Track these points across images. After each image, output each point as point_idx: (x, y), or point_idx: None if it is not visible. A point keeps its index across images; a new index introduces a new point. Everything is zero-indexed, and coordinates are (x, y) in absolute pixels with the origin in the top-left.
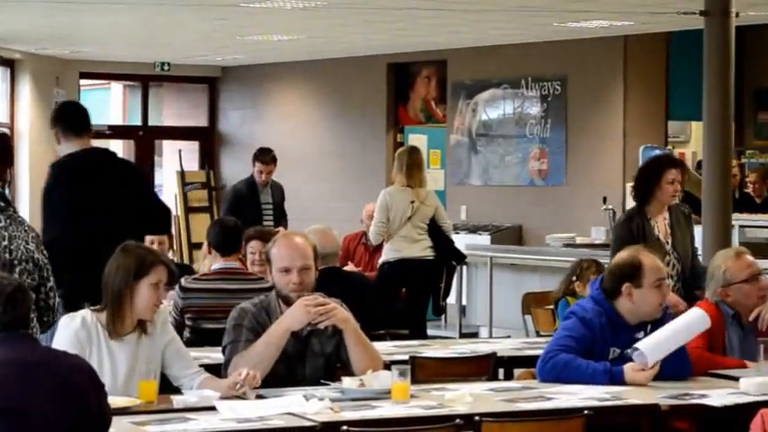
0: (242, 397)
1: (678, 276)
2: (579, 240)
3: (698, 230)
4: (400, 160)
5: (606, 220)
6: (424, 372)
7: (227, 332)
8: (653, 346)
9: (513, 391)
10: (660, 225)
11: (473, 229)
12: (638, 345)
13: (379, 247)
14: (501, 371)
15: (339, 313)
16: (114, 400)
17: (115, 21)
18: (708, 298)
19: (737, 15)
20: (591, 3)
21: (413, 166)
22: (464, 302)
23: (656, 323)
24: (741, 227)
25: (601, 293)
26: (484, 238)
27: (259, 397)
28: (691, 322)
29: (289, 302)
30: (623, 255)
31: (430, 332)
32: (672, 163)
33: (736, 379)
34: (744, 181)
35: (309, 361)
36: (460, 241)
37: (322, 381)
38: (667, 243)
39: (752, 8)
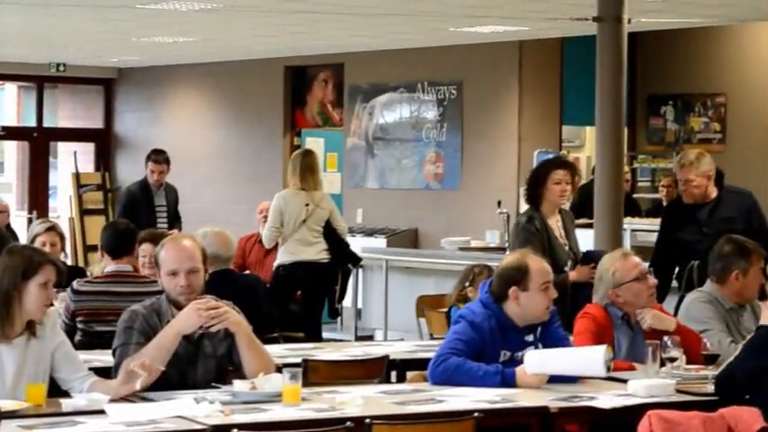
0: (131, 399)
1: None
2: (474, 244)
3: (590, 234)
4: (294, 163)
5: (501, 223)
6: (316, 375)
7: (117, 335)
8: (538, 361)
9: (405, 394)
10: (555, 226)
11: (369, 233)
12: (528, 353)
13: (275, 247)
14: (394, 374)
15: (231, 316)
16: (2, 404)
17: (8, 21)
18: (597, 302)
19: (630, 22)
20: (486, 8)
21: (307, 169)
22: (360, 305)
23: (546, 325)
24: (633, 231)
25: (489, 297)
26: (380, 242)
27: (149, 400)
28: (588, 364)
29: (178, 306)
30: (511, 259)
31: (325, 335)
32: (558, 164)
33: (625, 381)
34: (636, 185)
35: (201, 364)
36: (356, 244)
37: (213, 384)
38: (565, 244)
39: (644, 15)
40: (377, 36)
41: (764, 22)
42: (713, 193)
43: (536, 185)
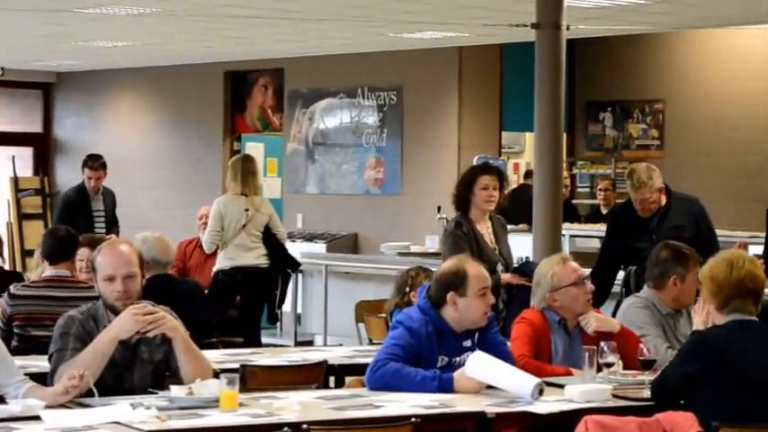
0: (67, 405)
1: None
2: (414, 249)
3: (528, 239)
4: (234, 168)
5: (440, 229)
6: (254, 380)
7: (53, 340)
8: (478, 366)
9: (343, 399)
10: (484, 232)
11: (309, 238)
12: (474, 355)
13: (215, 252)
14: (332, 379)
15: (168, 321)
16: None
17: None
18: (534, 306)
19: (568, 28)
20: (425, 14)
21: (247, 174)
22: (299, 310)
23: (483, 331)
24: (571, 236)
25: (427, 302)
26: (320, 247)
27: (86, 406)
28: (519, 389)
29: (115, 311)
30: (449, 264)
31: (265, 340)
32: (484, 170)
33: (562, 386)
34: (575, 191)
35: (138, 369)
36: (296, 249)
37: (150, 389)
38: (495, 250)
39: (582, 22)
40: (316, 41)
41: (701, 29)
42: (662, 201)
43: (463, 191)
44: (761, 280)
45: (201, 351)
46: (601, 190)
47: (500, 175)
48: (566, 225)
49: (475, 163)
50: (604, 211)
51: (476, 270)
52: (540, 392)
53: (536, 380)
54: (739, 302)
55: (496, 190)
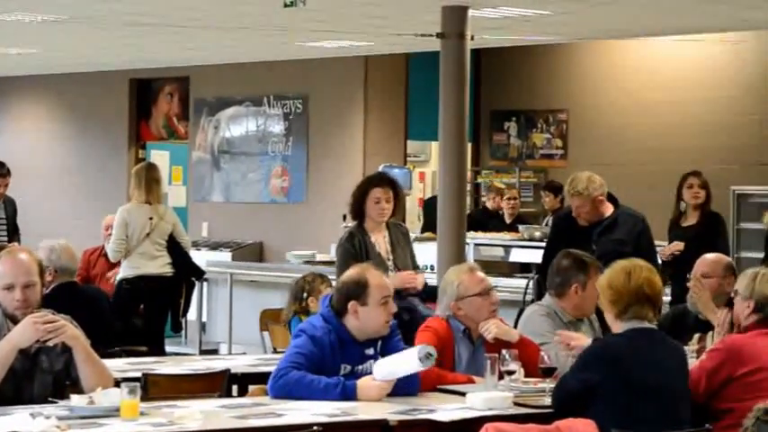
0: None
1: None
2: (319, 257)
3: (433, 247)
4: (138, 177)
5: None
6: (156, 389)
7: None
8: (380, 366)
9: (245, 408)
10: (380, 242)
11: (214, 246)
12: (376, 364)
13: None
14: (235, 387)
15: (68, 330)
16: None
17: None
18: (439, 314)
19: (473, 38)
20: (331, 23)
21: (151, 182)
22: (204, 319)
23: (386, 339)
24: (476, 245)
25: (330, 311)
26: (225, 255)
27: None
28: (410, 357)
29: (14, 320)
30: (350, 273)
31: (170, 349)
32: (378, 182)
33: (464, 394)
34: (480, 199)
35: (38, 378)
36: (201, 258)
37: (50, 399)
38: (389, 260)
39: (487, 32)
40: (221, 49)
41: (604, 40)
42: (607, 211)
43: (357, 203)
44: (658, 287)
45: (104, 360)
46: (509, 199)
47: (394, 187)
48: (470, 234)
49: (381, 170)
50: (509, 221)
51: (377, 279)
52: (429, 356)
53: (419, 347)
54: (638, 309)
55: (389, 202)
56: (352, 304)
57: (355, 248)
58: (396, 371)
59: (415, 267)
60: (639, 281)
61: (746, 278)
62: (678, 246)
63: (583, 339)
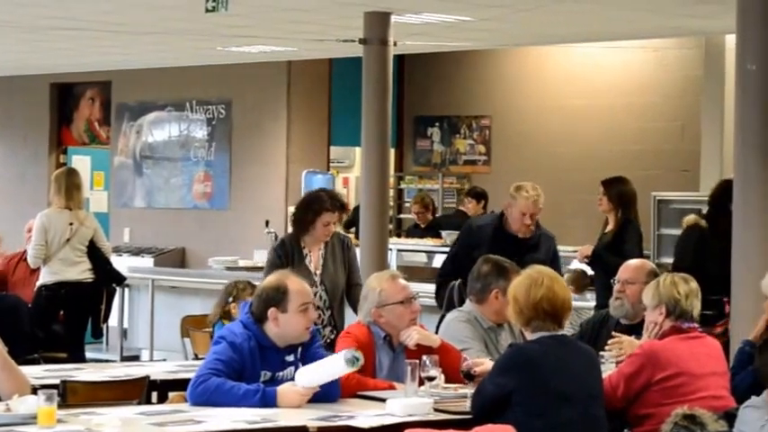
0: None
1: (325, 306)
2: (242, 263)
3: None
4: (58, 182)
5: (269, 243)
6: (75, 396)
7: None
8: (305, 372)
9: (164, 415)
10: (314, 255)
11: (136, 252)
12: (299, 371)
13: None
14: (155, 394)
15: None
16: None
17: None
18: (360, 320)
19: (396, 44)
20: (254, 28)
21: (71, 187)
22: (126, 325)
23: (306, 346)
24: (399, 251)
25: (250, 317)
26: (147, 261)
27: None
28: (337, 361)
29: None
30: (270, 279)
31: (92, 355)
32: (332, 207)
33: (384, 400)
34: (402, 206)
35: None
36: (123, 264)
37: None
38: (316, 274)
39: (410, 38)
40: (144, 54)
41: (527, 46)
42: (532, 229)
43: (305, 220)
44: (559, 301)
45: (22, 367)
46: (415, 212)
47: (343, 210)
48: (392, 239)
49: (303, 178)
50: (423, 226)
51: (297, 285)
52: (356, 360)
53: (344, 351)
54: (540, 324)
55: (336, 225)
56: (271, 311)
57: (281, 258)
58: (321, 376)
59: (355, 279)
60: (538, 297)
61: (650, 289)
62: (587, 251)
63: (487, 365)
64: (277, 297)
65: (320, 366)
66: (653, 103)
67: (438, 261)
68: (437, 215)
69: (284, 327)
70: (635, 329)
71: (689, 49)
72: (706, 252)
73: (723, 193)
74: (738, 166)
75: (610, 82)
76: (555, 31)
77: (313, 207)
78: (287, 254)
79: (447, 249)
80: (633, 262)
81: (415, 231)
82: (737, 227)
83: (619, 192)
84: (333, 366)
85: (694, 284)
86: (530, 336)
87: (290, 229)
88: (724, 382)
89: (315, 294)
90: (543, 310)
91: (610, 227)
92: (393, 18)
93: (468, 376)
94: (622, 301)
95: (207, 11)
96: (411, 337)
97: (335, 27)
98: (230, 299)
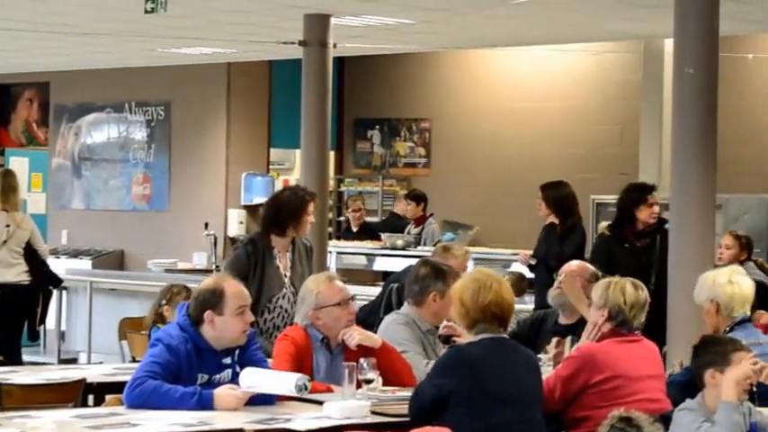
0: None
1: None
2: (181, 266)
3: None
4: None
5: (208, 245)
6: (10, 399)
7: None
8: (250, 375)
9: (100, 418)
10: (282, 257)
11: (74, 254)
12: (245, 371)
13: None
14: (92, 397)
15: None
16: None
17: None
18: (297, 322)
19: (335, 46)
20: (193, 29)
21: (8, 189)
22: (63, 328)
23: (244, 348)
24: (338, 253)
25: (187, 320)
26: (85, 263)
27: None
28: (287, 382)
29: None
30: (207, 282)
31: (28, 358)
32: (310, 197)
33: (321, 403)
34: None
35: None
36: (61, 266)
37: None
38: (285, 276)
39: (349, 40)
40: (83, 55)
41: (467, 49)
42: None
43: (287, 218)
44: (507, 303)
45: None
46: (354, 211)
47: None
48: (332, 242)
49: (243, 180)
50: (355, 229)
51: (234, 288)
52: (305, 388)
53: (297, 376)
54: (485, 326)
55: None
56: (208, 314)
57: (248, 255)
58: (265, 386)
59: None
60: (486, 301)
61: (600, 287)
62: (525, 255)
63: (466, 337)
64: (213, 300)
65: (268, 378)
66: (593, 106)
67: (378, 264)
68: (366, 219)
69: (221, 329)
70: (573, 330)
71: (628, 53)
72: (615, 258)
73: (626, 198)
74: (675, 170)
75: (550, 85)
76: (495, 34)
77: (299, 202)
78: (257, 252)
79: (386, 252)
80: (575, 263)
81: (347, 234)
82: (674, 231)
83: (555, 196)
84: (281, 384)
85: (644, 295)
86: (470, 337)
87: (229, 232)
88: (660, 385)
89: (284, 296)
90: (492, 313)
91: (559, 229)
92: (333, 20)
93: (446, 340)
94: (561, 291)
95: (146, 12)
96: (353, 337)
97: (276, 29)
98: (164, 302)
